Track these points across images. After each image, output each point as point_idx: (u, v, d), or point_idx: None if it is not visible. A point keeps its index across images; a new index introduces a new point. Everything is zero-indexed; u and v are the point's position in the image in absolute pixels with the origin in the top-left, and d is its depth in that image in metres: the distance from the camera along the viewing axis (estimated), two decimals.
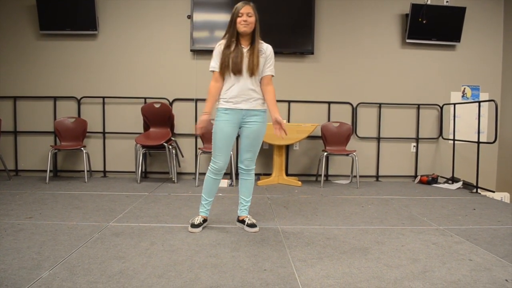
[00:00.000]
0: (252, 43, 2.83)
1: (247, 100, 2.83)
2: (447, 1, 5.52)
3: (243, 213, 3.08)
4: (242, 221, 3.04)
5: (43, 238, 2.68)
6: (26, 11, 5.35)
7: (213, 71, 2.87)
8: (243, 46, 2.83)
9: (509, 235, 2.96)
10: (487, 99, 5.51)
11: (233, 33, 2.81)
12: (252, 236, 2.85)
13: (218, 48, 2.87)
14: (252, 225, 2.97)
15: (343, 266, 2.30)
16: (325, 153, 4.97)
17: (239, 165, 3.02)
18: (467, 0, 5.53)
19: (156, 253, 2.45)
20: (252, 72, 2.79)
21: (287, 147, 5.36)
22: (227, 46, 2.82)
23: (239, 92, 2.81)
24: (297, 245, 2.65)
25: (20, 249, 2.45)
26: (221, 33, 5.27)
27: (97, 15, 5.27)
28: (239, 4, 2.79)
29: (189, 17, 5.29)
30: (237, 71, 2.78)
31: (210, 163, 2.92)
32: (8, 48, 5.40)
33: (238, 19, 2.77)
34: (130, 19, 5.42)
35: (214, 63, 2.86)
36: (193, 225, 2.92)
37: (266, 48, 2.89)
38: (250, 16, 2.76)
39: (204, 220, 2.99)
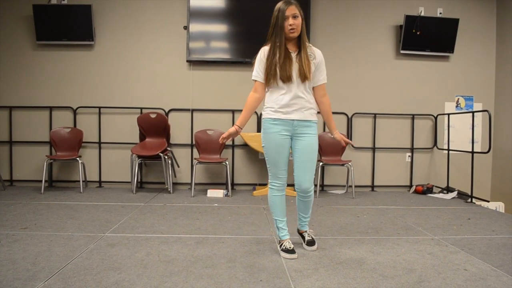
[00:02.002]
0: (300, 46, 2.57)
1: (298, 110, 2.57)
2: (440, 13, 5.60)
3: (303, 227, 2.86)
4: (302, 236, 2.86)
5: (38, 249, 2.67)
6: (23, 21, 5.37)
7: (255, 80, 2.62)
8: (290, 50, 2.56)
9: (504, 245, 2.98)
10: (480, 109, 5.56)
11: (280, 39, 2.52)
12: (248, 246, 2.84)
13: (261, 54, 2.59)
14: (311, 243, 2.79)
15: (339, 276, 2.30)
16: (321, 163, 4.99)
17: (296, 188, 2.70)
18: (460, 12, 5.62)
19: (152, 264, 2.44)
20: (304, 77, 2.52)
21: None
22: (272, 53, 2.53)
23: (290, 101, 2.54)
24: (297, 257, 2.64)
25: (15, 260, 2.43)
26: (217, 43, 5.45)
27: (94, 26, 5.30)
28: (282, 5, 2.52)
29: (186, 28, 5.33)
30: (286, 78, 2.51)
31: (270, 182, 2.70)
32: (5, 58, 5.41)
33: (285, 24, 2.49)
34: (126, 29, 5.45)
35: (256, 71, 2.59)
36: (289, 251, 2.61)
37: (316, 53, 2.63)
38: (296, 18, 2.49)
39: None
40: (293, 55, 2.56)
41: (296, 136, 2.64)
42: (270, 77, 2.54)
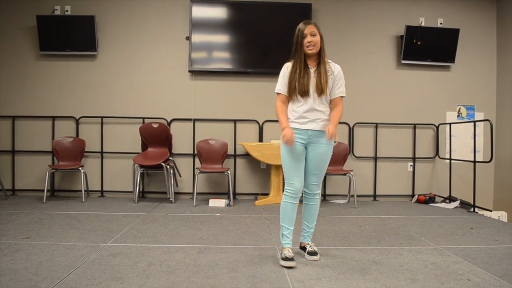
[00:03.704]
0: (319, 62, 2.74)
1: (313, 121, 2.72)
2: (441, 23, 5.63)
3: (306, 240, 2.92)
4: (303, 248, 2.90)
5: (40, 259, 2.66)
6: (26, 31, 5.42)
7: (278, 93, 2.80)
8: (310, 66, 2.74)
9: (507, 255, 2.97)
10: (482, 118, 5.57)
11: (300, 56, 2.71)
12: (250, 256, 2.84)
13: (285, 70, 2.79)
14: (313, 253, 2.81)
15: (342, 287, 2.29)
16: None
17: (304, 189, 2.84)
18: (461, 22, 5.65)
19: (154, 274, 2.44)
20: (321, 91, 2.69)
21: None
22: (294, 70, 2.72)
23: (305, 113, 2.71)
24: (295, 266, 2.64)
25: (17, 270, 2.43)
26: (219, 54, 5.49)
27: (97, 36, 5.34)
28: (301, 25, 2.72)
29: (188, 38, 5.37)
30: (304, 93, 2.69)
31: (285, 188, 2.78)
32: (8, 67, 5.45)
33: (304, 41, 2.68)
34: (129, 40, 5.49)
35: (279, 85, 2.79)
36: (288, 259, 2.64)
37: (334, 68, 2.80)
38: (314, 36, 2.68)
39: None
40: (312, 70, 2.74)
41: (310, 145, 2.77)
42: (291, 92, 2.73)
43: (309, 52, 2.70)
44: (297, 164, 2.74)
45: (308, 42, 2.68)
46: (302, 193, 2.85)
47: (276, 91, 2.81)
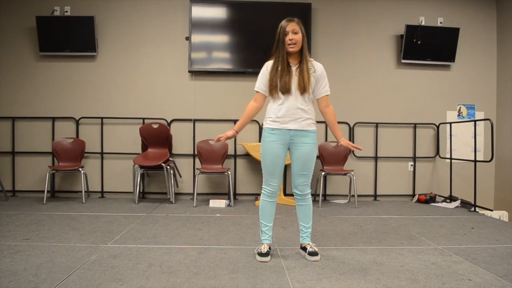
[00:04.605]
0: (301, 60, 2.71)
1: (295, 120, 2.71)
2: (441, 22, 5.62)
3: (305, 240, 2.89)
4: (304, 249, 2.87)
5: (40, 260, 2.66)
6: (26, 32, 5.42)
7: (257, 91, 2.81)
8: (292, 64, 2.72)
9: (508, 254, 2.96)
10: (482, 117, 5.56)
11: (281, 53, 2.68)
12: (251, 257, 2.83)
13: (264, 69, 2.78)
14: (313, 253, 2.79)
15: (342, 287, 2.28)
16: (323, 173, 4.98)
17: (294, 190, 2.86)
18: (461, 21, 5.64)
19: (154, 275, 2.43)
20: (303, 90, 2.67)
21: (285, 167, 5.35)
22: (275, 67, 2.70)
23: (286, 112, 2.70)
24: (295, 266, 2.64)
25: (17, 271, 2.43)
26: (219, 54, 5.48)
27: (96, 37, 5.34)
28: (284, 22, 2.69)
29: (188, 38, 5.36)
30: (286, 91, 2.67)
31: (263, 187, 2.82)
32: (8, 68, 5.45)
33: (286, 39, 2.66)
34: (129, 40, 5.49)
35: (258, 83, 2.79)
36: (262, 254, 2.74)
37: (317, 67, 2.78)
38: (296, 33, 2.65)
39: (269, 248, 2.82)
40: (293, 68, 2.71)
41: (294, 146, 2.77)
42: (272, 89, 2.71)
43: (291, 50, 2.67)
44: (276, 165, 2.77)
45: (290, 39, 2.65)
46: (293, 195, 2.90)
47: (255, 89, 2.81)
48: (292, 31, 2.65)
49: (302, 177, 2.81)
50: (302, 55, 2.72)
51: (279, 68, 2.68)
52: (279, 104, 2.72)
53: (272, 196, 2.82)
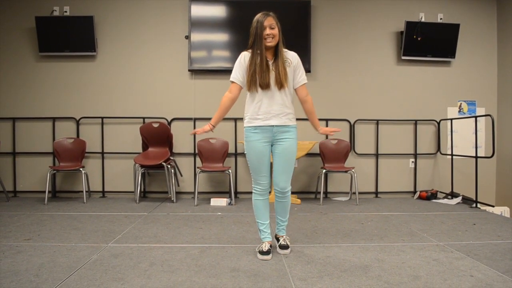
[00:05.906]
0: (276, 55, 2.71)
1: (277, 116, 2.71)
2: (441, 18, 5.61)
3: (280, 232, 2.94)
4: (277, 239, 2.94)
5: (42, 260, 2.66)
6: (25, 33, 5.42)
7: (232, 82, 2.78)
8: (268, 59, 2.71)
9: (510, 250, 2.95)
10: (483, 113, 5.55)
11: (260, 47, 2.66)
12: (252, 255, 2.83)
13: (241, 58, 2.76)
14: (284, 247, 2.86)
15: (344, 284, 2.28)
16: (324, 170, 4.97)
17: (274, 187, 2.83)
18: (461, 17, 5.63)
19: (156, 274, 2.43)
20: (281, 85, 2.67)
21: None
22: (253, 61, 2.69)
23: (268, 107, 2.70)
24: (297, 264, 2.63)
25: (18, 272, 2.43)
26: (219, 52, 5.47)
27: (96, 37, 5.34)
28: (260, 16, 2.69)
29: (187, 37, 5.35)
30: (265, 86, 2.66)
31: (253, 186, 2.84)
32: (7, 69, 5.45)
33: (264, 34, 2.65)
34: (128, 40, 5.48)
35: (234, 73, 2.77)
36: (263, 253, 2.74)
37: (292, 57, 2.78)
38: (273, 28, 2.66)
39: (270, 245, 2.82)
40: (270, 63, 2.71)
41: (276, 141, 2.78)
42: (251, 84, 2.70)
43: (268, 44, 2.67)
44: (262, 164, 2.77)
45: (267, 34, 2.66)
46: (273, 191, 2.89)
47: (231, 79, 2.78)
48: (269, 26, 2.66)
49: (284, 174, 2.78)
50: (277, 50, 2.71)
51: (258, 63, 2.67)
52: (258, 100, 2.72)
53: (263, 194, 2.84)
